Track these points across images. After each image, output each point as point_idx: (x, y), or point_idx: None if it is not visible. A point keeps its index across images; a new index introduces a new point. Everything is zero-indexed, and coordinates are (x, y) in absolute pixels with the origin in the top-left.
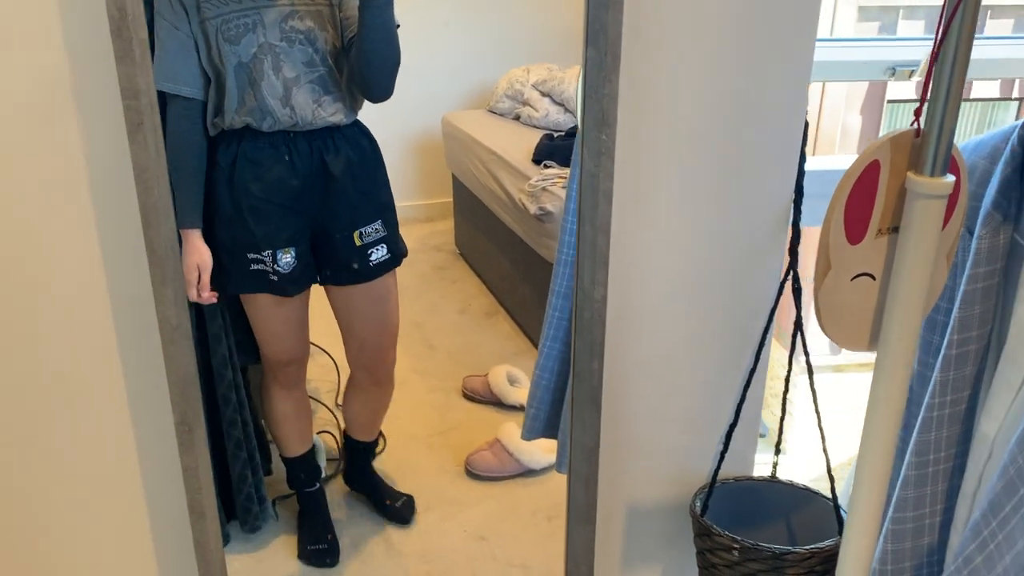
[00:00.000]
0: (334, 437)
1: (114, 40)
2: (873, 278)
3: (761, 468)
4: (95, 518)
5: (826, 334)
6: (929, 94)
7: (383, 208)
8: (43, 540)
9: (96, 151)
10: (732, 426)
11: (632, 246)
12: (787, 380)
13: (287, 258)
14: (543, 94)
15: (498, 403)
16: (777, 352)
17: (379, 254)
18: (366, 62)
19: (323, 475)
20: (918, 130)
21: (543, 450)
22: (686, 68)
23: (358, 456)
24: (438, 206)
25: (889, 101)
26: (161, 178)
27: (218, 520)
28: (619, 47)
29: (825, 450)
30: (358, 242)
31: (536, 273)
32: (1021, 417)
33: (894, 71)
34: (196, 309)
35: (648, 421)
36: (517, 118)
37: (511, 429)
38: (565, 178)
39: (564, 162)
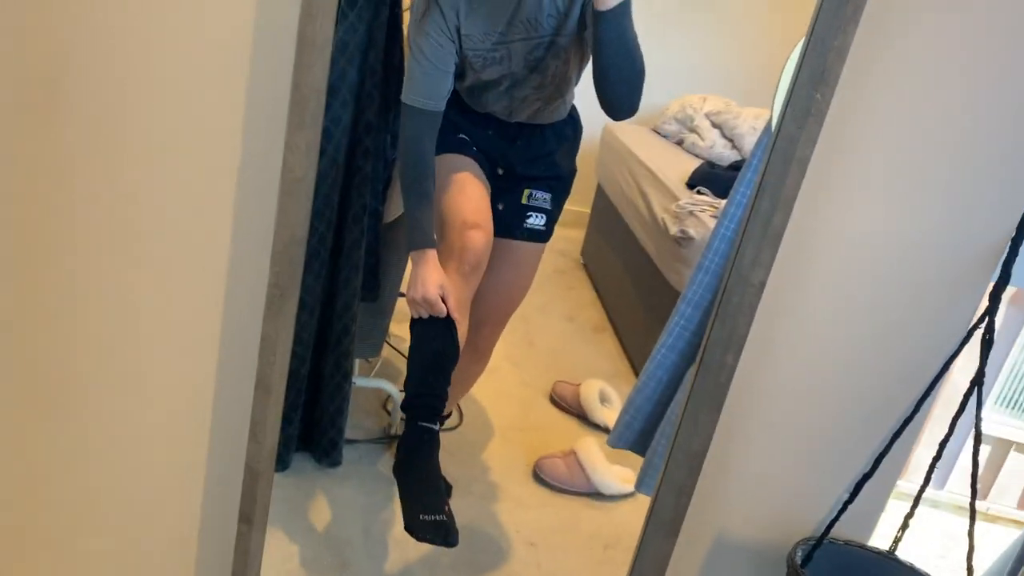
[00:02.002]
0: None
1: None
2: None
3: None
4: (164, 371)
5: None
6: None
7: (558, 186)
8: (102, 384)
9: None
10: (866, 476)
11: (806, 242)
12: (944, 442)
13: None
14: (714, 125)
15: (583, 417)
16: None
17: (536, 221)
18: (604, 78)
19: (393, 430)
20: None
21: (616, 478)
22: (931, 43)
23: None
24: (573, 213)
25: None
26: (328, 11)
27: (283, 401)
28: None
29: (971, 534)
30: (524, 200)
31: (656, 298)
32: None
33: None
34: (335, 237)
35: (768, 445)
36: (680, 143)
37: (590, 444)
38: (717, 208)
39: (719, 192)
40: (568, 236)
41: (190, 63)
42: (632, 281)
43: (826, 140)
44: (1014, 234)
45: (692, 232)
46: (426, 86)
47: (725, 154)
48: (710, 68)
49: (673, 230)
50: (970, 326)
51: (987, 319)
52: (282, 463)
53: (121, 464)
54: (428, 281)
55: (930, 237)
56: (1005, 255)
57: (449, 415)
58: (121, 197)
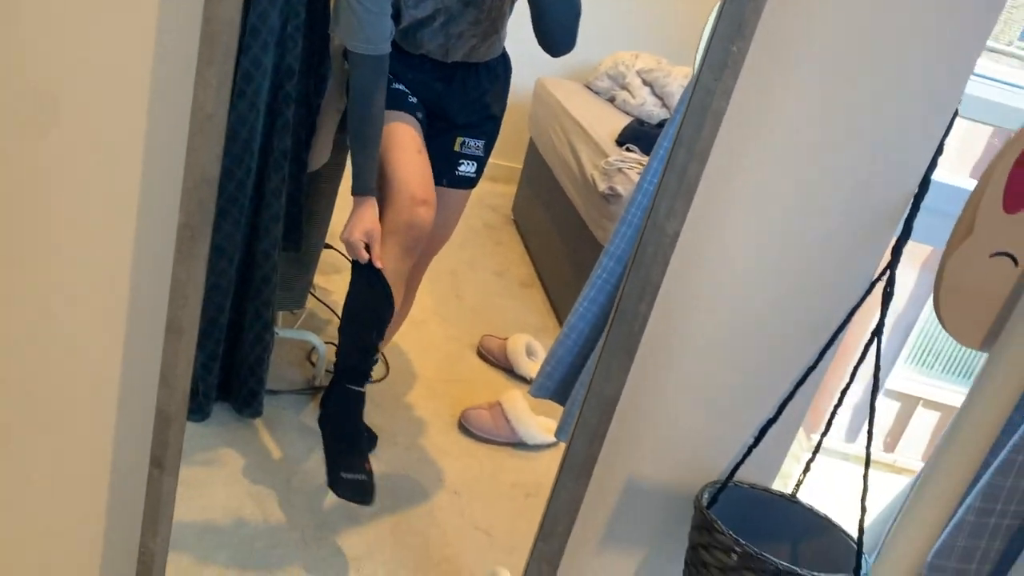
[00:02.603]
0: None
1: None
2: (1016, 263)
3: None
4: (73, 314)
5: (938, 312)
6: None
7: (489, 133)
8: (7, 327)
9: None
10: (770, 422)
11: (717, 195)
12: (844, 391)
13: (414, 100)
14: (645, 83)
15: (510, 370)
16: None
17: (466, 168)
18: (543, 14)
19: (318, 381)
20: None
21: (540, 428)
22: (840, 13)
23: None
24: (506, 169)
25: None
26: None
27: (195, 343)
28: None
29: (866, 476)
30: (456, 148)
31: (584, 254)
32: None
33: None
34: (255, 188)
35: (679, 392)
36: (612, 100)
37: (515, 396)
38: (645, 165)
39: (648, 150)
40: (500, 191)
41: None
42: (561, 237)
43: (742, 93)
44: (916, 191)
45: (620, 189)
46: (365, 30)
47: (655, 112)
48: (643, 25)
49: (602, 186)
50: (872, 279)
51: (888, 272)
52: (202, 412)
53: (29, 407)
54: (356, 226)
55: (839, 193)
56: (907, 212)
57: (376, 362)
58: (26, 139)
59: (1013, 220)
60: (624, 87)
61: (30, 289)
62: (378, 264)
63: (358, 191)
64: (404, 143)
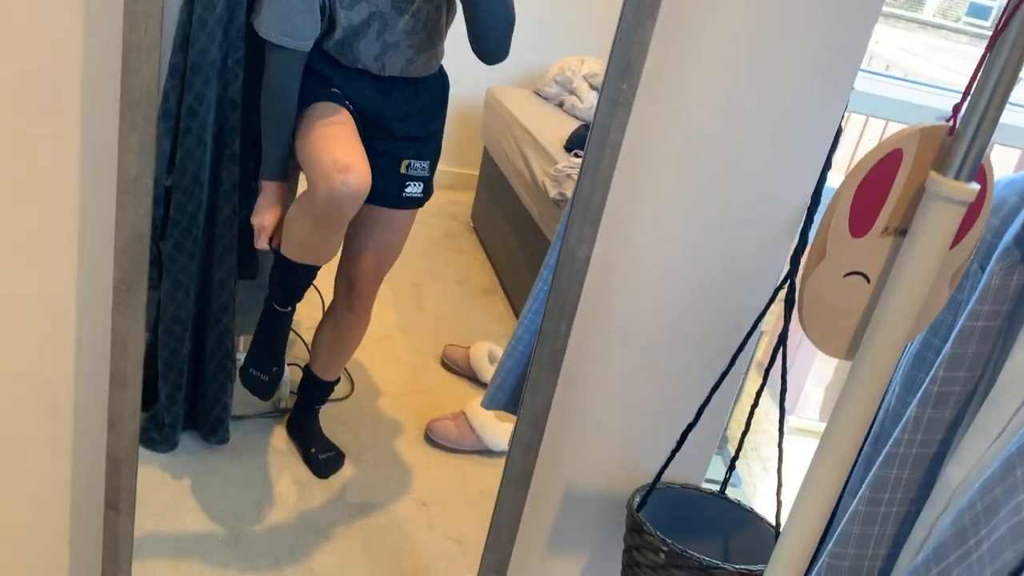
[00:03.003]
0: (300, 369)
1: None
2: (868, 280)
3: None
4: (23, 368)
5: (804, 329)
6: (973, 90)
7: (433, 152)
8: None
9: None
10: (690, 427)
11: (626, 218)
12: (758, 394)
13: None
14: (592, 87)
15: (474, 378)
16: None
17: (413, 189)
18: (479, 24)
19: (283, 404)
20: (953, 127)
21: (504, 433)
22: (726, 38)
23: (310, 397)
24: (463, 176)
25: None
26: (154, 17)
27: (139, 392)
28: None
29: (780, 470)
30: (403, 170)
31: (541, 259)
32: (990, 466)
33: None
34: (207, 218)
35: (606, 403)
36: (561, 105)
37: (479, 404)
38: None
39: None
40: (458, 199)
41: (21, 68)
42: (519, 244)
43: (636, 126)
44: (809, 203)
45: (569, 195)
46: (286, 21)
47: None
48: (589, 31)
49: (552, 193)
50: (775, 287)
51: (789, 281)
52: (169, 443)
53: None
54: (266, 212)
55: (739, 210)
56: (802, 223)
57: (337, 381)
58: None
59: (861, 243)
60: (572, 92)
61: None
62: (267, 244)
63: (266, 176)
64: (332, 126)
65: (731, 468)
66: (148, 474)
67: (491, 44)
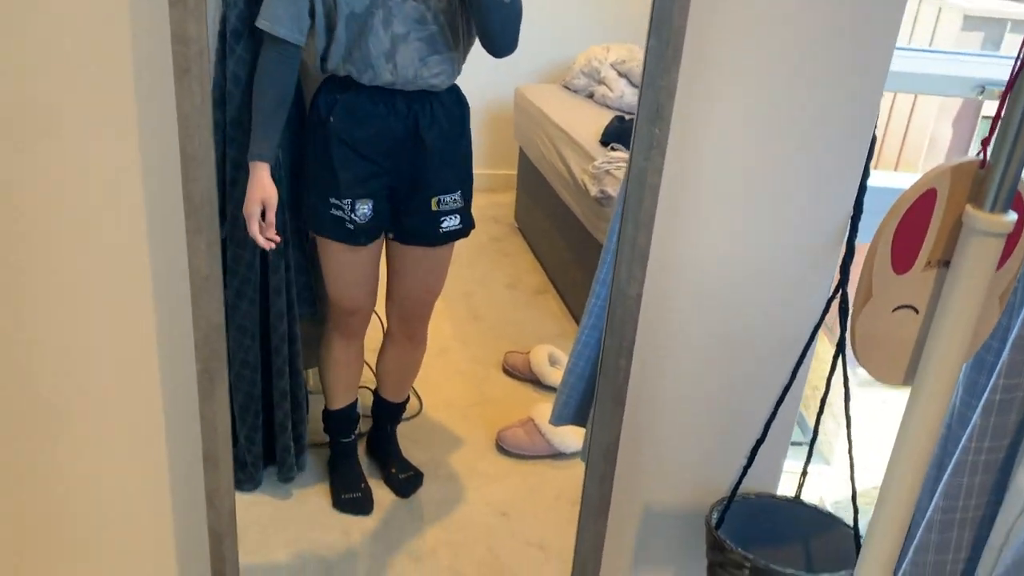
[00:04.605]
0: (371, 392)
1: None
2: (916, 311)
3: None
4: (116, 458)
5: (860, 363)
6: (1000, 123)
7: (464, 180)
8: (61, 479)
9: (145, 94)
10: (759, 442)
11: (676, 248)
12: (822, 402)
13: (364, 209)
14: (620, 74)
15: (536, 382)
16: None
17: (450, 223)
18: (484, 13)
19: (357, 429)
20: (983, 160)
21: (574, 435)
22: (751, 70)
23: (383, 418)
24: (502, 177)
25: (984, 117)
26: (204, 127)
27: (231, 469)
28: (682, 39)
29: (852, 479)
30: (434, 207)
31: (590, 256)
32: None
33: (983, 89)
34: (261, 261)
35: (673, 427)
36: (591, 96)
37: (545, 409)
38: None
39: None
40: (499, 201)
41: (90, 195)
42: (565, 242)
43: (674, 164)
44: (852, 212)
45: (611, 191)
46: (271, 6)
47: (634, 103)
48: (612, 17)
49: (593, 191)
50: (828, 299)
51: (841, 290)
52: (253, 482)
53: (91, 542)
54: (253, 197)
55: (784, 229)
56: (847, 233)
57: (407, 400)
58: (59, 314)
59: (906, 278)
60: (601, 82)
61: (84, 439)
62: (269, 232)
63: (251, 156)
64: (343, 258)
65: (804, 473)
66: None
67: (498, 36)
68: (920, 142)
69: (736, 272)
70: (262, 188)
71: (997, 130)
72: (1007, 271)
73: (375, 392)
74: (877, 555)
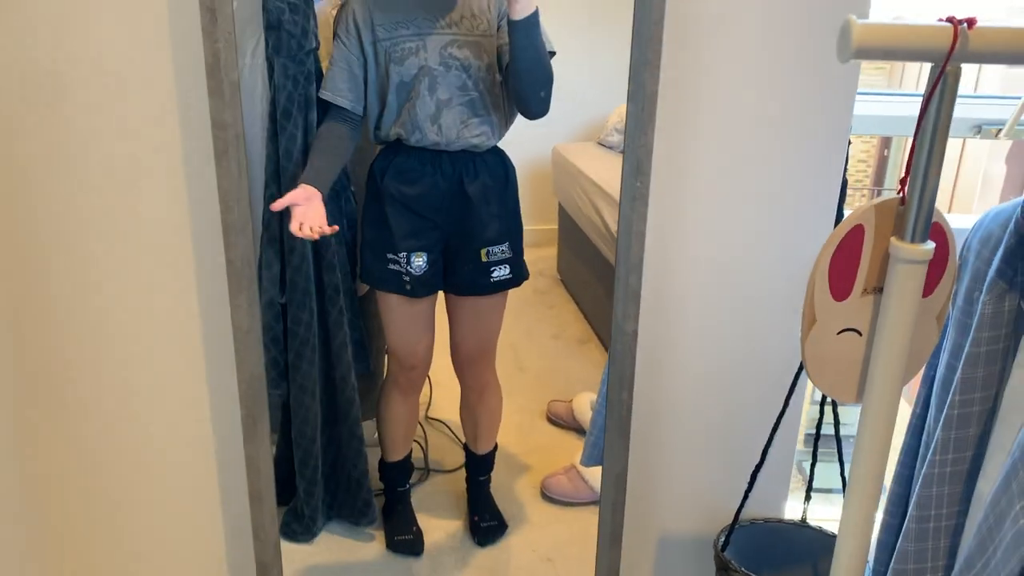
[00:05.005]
0: (420, 447)
1: (208, 79)
2: (860, 334)
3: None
4: (171, 496)
5: (813, 382)
6: (913, 162)
7: (511, 232)
8: (120, 515)
9: (193, 172)
10: (757, 468)
11: (669, 285)
12: (818, 426)
13: (419, 262)
14: None
15: (580, 429)
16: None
17: (500, 273)
18: (518, 79)
19: (413, 478)
20: (903, 198)
21: None
22: (723, 123)
23: (473, 470)
24: (544, 232)
25: None
26: (242, 200)
27: (274, 504)
28: (655, 104)
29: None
30: (484, 259)
31: None
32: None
33: (980, 129)
34: (322, 323)
35: (678, 454)
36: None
37: None
38: None
39: None
40: (543, 255)
41: (143, 251)
42: (606, 292)
43: (661, 209)
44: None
45: None
46: (333, 81)
47: None
48: None
49: None
50: None
51: None
52: (310, 533)
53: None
54: (303, 220)
55: (765, 262)
56: None
57: (495, 449)
58: (114, 364)
59: (845, 305)
60: None
61: (148, 481)
62: (328, 230)
63: (305, 180)
64: (399, 310)
65: (807, 497)
66: (303, 564)
67: (532, 101)
68: (973, 182)
69: (726, 306)
70: (317, 216)
71: (912, 169)
72: (938, 296)
73: (465, 446)
74: (845, 562)
